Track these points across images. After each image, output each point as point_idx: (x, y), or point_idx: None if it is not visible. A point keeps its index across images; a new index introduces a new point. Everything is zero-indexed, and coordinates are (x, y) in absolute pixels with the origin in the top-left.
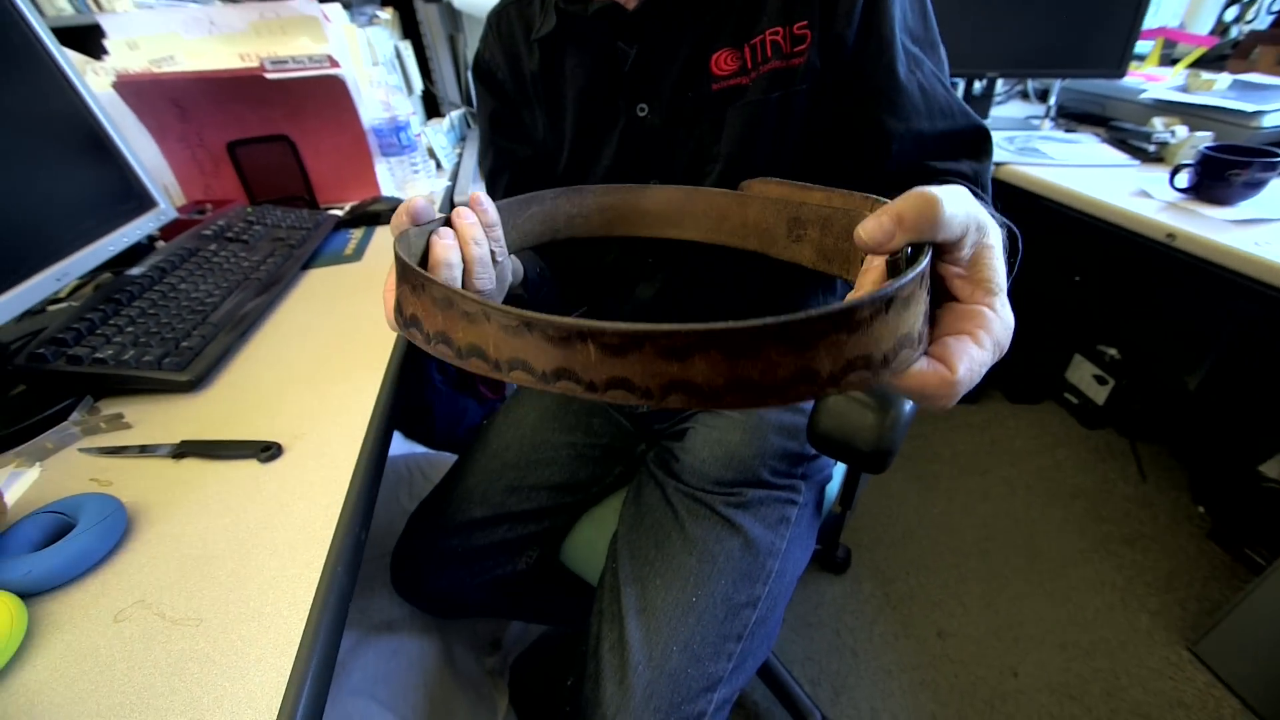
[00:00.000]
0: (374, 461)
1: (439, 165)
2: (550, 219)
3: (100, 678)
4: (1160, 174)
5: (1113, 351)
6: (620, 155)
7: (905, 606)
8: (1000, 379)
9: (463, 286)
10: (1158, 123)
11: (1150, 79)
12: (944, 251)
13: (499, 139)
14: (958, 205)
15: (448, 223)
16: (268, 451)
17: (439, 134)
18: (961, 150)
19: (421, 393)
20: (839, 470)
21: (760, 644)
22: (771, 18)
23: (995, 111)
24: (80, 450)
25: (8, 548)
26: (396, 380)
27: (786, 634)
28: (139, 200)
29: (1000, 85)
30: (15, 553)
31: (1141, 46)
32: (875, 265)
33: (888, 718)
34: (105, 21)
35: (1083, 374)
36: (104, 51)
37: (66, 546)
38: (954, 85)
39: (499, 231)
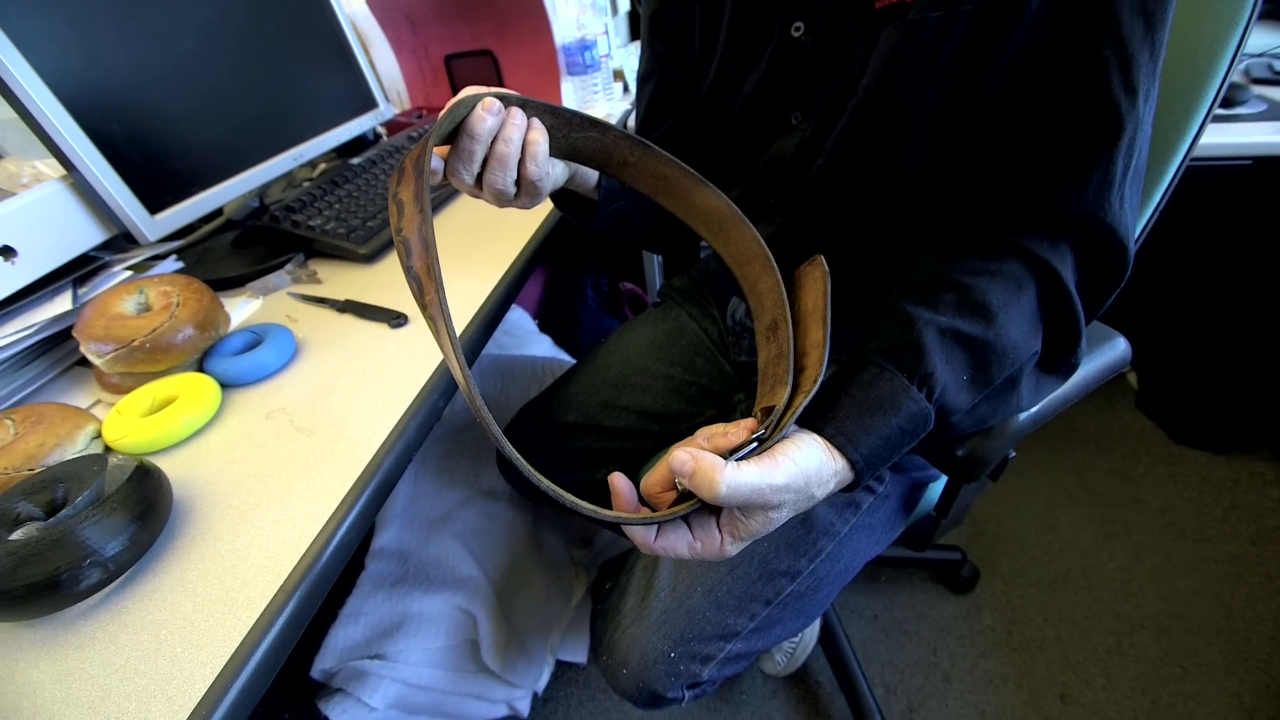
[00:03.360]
0: (470, 347)
1: (626, 89)
2: (603, 151)
3: (243, 454)
4: None
5: None
6: (766, 80)
7: (1029, 654)
8: (1275, 432)
9: (479, 173)
10: None
11: None
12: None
13: (655, 41)
14: (744, 493)
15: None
16: (397, 320)
17: (633, 57)
18: (1042, 153)
19: (574, 306)
20: None
21: (793, 617)
22: None
23: None
24: (287, 293)
25: (221, 350)
26: (513, 283)
27: (874, 631)
28: (365, 100)
29: None
30: (224, 354)
31: None
32: (746, 425)
33: None
34: None
35: None
36: None
37: (252, 357)
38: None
39: (538, 150)
